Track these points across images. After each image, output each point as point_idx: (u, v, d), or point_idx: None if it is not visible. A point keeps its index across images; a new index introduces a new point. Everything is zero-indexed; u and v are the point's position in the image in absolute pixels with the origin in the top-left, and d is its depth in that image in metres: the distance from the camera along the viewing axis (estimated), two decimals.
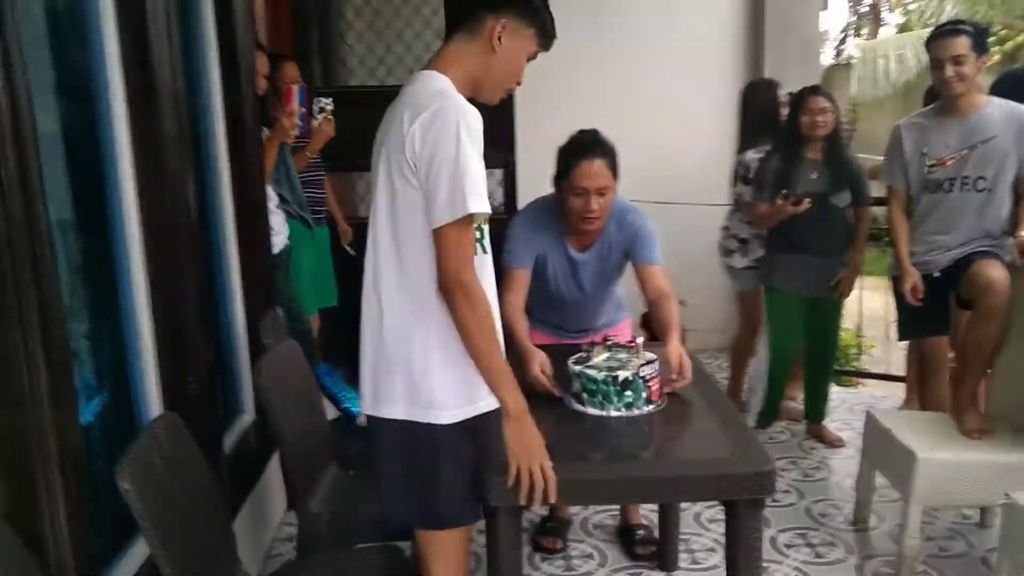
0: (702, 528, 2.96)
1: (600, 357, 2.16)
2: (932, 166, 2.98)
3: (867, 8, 15.68)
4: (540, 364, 2.19)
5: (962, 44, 2.87)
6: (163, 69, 2.12)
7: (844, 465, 3.47)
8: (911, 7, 13.13)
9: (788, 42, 4.82)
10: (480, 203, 1.54)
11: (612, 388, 2.05)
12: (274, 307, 2.91)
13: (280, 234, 3.12)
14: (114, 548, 1.96)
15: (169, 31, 2.16)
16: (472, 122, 1.55)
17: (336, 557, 2.00)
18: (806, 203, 3.28)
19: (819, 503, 3.15)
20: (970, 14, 11.17)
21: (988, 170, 2.90)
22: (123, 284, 2.12)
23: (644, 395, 2.06)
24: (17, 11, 1.44)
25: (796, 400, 4.03)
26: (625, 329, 2.79)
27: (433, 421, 1.62)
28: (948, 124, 2.97)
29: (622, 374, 2.04)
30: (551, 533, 2.87)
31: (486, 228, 1.70)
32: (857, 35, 15.96)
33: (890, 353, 4.83)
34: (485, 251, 1.70)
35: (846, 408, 4.15)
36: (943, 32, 2.96)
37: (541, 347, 2.31)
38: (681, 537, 2.79)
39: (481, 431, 1.67)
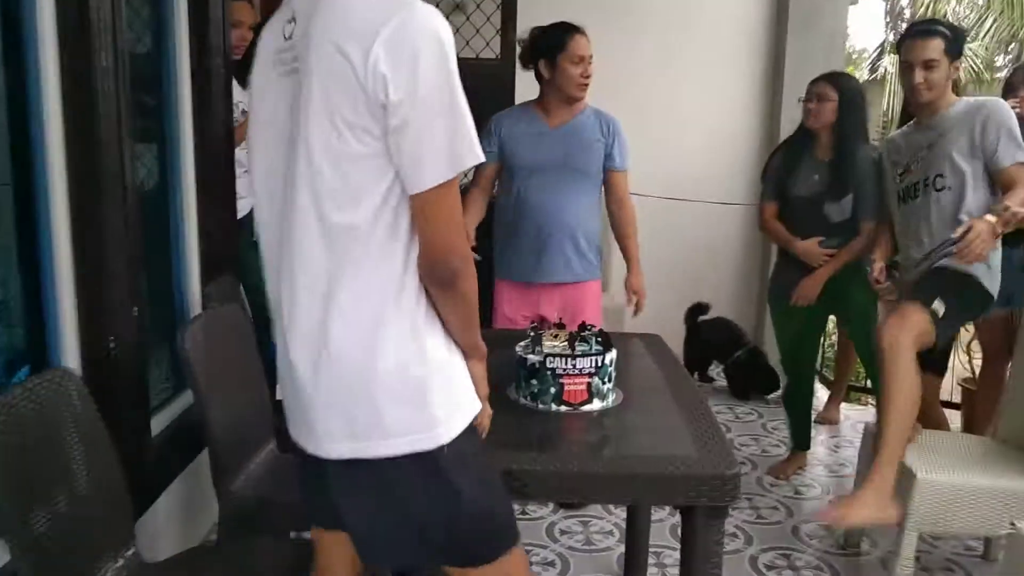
0: (677, 540, 2.71)
1: (552, 342, 1.85)
2: (901, 174, 2.72)
3: (905, 25, 15.34)
4: None
5: (935, 47, 2.53)
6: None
7: (840, 485, 3.22)
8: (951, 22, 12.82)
9: (812, 37, 4.56)
10: (479, 153, 1.19)
11: (522, 372, 1.79)
12: (231, 272, 2.72)
13: (245, 198, 2.93)
14: None
15: None
16: (451, 39, 1.16)
17: (245, 544, 1.79)
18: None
19: (809, 523, 2.90)
20: (1010, 26, 10.79)
21: (943, 167, 2.56)
22: (43, 236, 1.93)
23: (552, 391, 1.75)
24: None
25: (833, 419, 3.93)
26: (594, 289, 2.90)
27: (440, 443, 1.22)
28: (914, 132, 2.70)
29: (531, 358, 1.76)
30: None
31: None
32: (895, 52, 15.66)
33: None
34: None
35: (849, 425, 3.89)
36: (916, 32, 2.61)
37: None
38: (652, 550, 2.56)
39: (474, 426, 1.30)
